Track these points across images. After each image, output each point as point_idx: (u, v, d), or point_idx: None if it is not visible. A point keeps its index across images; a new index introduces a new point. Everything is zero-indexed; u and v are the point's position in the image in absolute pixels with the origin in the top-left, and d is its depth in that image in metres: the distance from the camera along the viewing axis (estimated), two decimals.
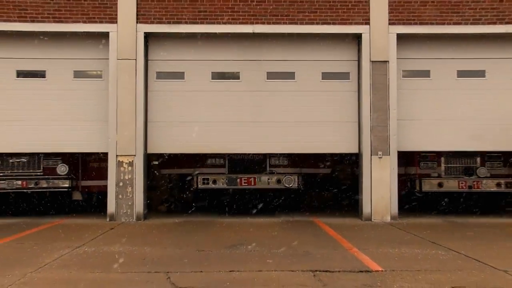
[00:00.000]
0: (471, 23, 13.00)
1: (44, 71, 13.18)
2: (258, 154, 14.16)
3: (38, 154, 13.66)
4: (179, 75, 13.36)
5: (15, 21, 12.74)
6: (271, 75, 13.40)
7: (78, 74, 13.24)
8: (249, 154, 14.12)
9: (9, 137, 12.99)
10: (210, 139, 13.22)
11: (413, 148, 13.58)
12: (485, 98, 13.37)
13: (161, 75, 13.35)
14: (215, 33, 13.00)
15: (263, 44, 13.29)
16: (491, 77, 13.45)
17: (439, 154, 14.23)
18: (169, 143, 13.32)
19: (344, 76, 13.43)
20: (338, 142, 13.44)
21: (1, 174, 13.55)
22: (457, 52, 13.36)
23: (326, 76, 13.42)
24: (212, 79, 13.38)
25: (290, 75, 13.42)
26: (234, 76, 13.45)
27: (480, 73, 13.46)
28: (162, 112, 13.26)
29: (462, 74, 13.46)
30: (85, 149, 13.44)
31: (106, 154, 13.05)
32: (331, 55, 13.39)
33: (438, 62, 13.41)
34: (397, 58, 12.98)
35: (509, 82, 13.40)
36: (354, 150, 13.47)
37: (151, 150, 13.33)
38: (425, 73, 13.47)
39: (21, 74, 13.17)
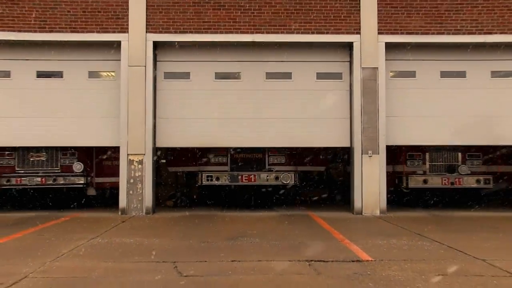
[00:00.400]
0: (453, 33, 13.01)
1: (61, 71, 13.18)
2: (258, 153, 14.15)
3: (56, 153, 13.68)
4: (185, 75, 13.35)
5: (35, 31, 12.73)
6: (270, 75, 13.39)
7: (92, 75, 13.24)
8: (249, 153, 14.12)
9: (29, 132, 12.97)
10: (213, 134, 13.21)
11: (400, 143, 13.53)
12: (466, 97, 13.36)
13: (168, 75, 13.32)
14: (219, 42, 13.00)
15: (263, 49, 13.26)
16: (471, 77, 13.44)
17: (424, 152, 14.24)
18: (176, 137, 13.29)
19: (337, 76, 13.41)
20: (331, 137, 13.42)
21: (22, 172, 13.58)
22: (440, 55, 13.35)
23: (320, 76, 13.40)
24: (215, 78, 13.36)
25: (287, 75, 13.40)
26: (236, 76, 13.44)
27: (461, 74, 13.45)
28: (169, 109, 13.23)
29: (444, 74, 13.44)
30: (98, 143, 13.40)
31: (118, 153, 13.04)
32: (325, 57, 13.39)
33: (423, 63, 13.39)
34: (385, 60, 12.96)
35: (487, 82, 13.39)
36: (346, 144, 13.44)
37: (160, 144, 13.30)
38: (412, 74, 13.45)
39: (41, 74, 13.16)
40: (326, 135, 13.40)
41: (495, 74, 13.44)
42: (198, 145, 13.69)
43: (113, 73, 13.19)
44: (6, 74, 13.11)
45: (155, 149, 13.21)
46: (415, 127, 13.32)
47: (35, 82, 13.14)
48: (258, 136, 13.29)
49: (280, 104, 13.28)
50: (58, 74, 13.19)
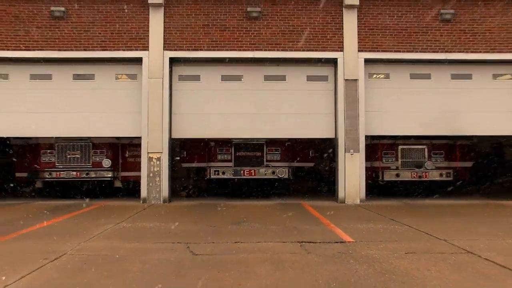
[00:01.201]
0: (420, 51, 13.05)
1: (93, 74, 13.20)
2: (257, 152, 14.16)
3: (88, 151, 13.73)
4: (196, 78, 13.35)
5: (72, 50, 12.80)
6: (268, 78, 13.38)
7: (117, 78, 13.27)
8: (250, 151, 14.13)
9: (65, 125, 13.00)
10: (219, 126, 13.21)
11: (378, 133, 13.49)
12: (431, 95, 13.37)
13: (182, 78, 13.31)
14: (224, 58, 13.04)
15: (262, 61, 13.28)
16: (435, 79, 13.47)
17: (397, 150, 14.28)
18: (188, 130, 13.28)
19: (323, 78, 13.41)
20: (319, 129, 13.39)
21: (61, 167, 13.64)
22: (410, 62, 13.39)
23: (310, 78, 13.39)
24: (221, 80, 13.37)
25: (282, 78, 13.39)
26: (239, 78, 13.43)
27: (427, 76, 13.47)
28: (183, 106, 13.20)
29: (413, 76, 13.46)
30: (122, 134, 13.39)
31: (139, 151, 13.07)
32: (313, 65, 13.40)
33: (396, 67, 13.40)
34: (364, 63, 12.97)
35: (448, 82, 13.42)
36: (331, 135, 13.42)
37: (174, 135, 13.29)
38: (386, 75, 13.49)
39: (76, 77, 13.21)
40: (315, 128, 13.39)
41: (454, 76, 13.48)
42: (206, 136, 13.68)
43: (135, 75, 13.14)
44: (48, 77, 13.13)
45: (171, 147, 13.22)
46: (388, 121, 13.30)
47: (71, 83, 13.15)
48: (258, 129, 13.28)
49: (276, 102, 13.28)
50: (91, 77, 13.18)
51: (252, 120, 13.26)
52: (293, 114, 13.26)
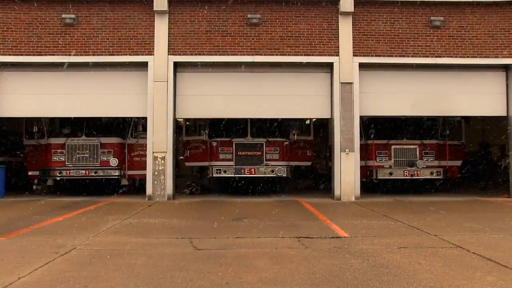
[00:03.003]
0: (411, 56, 13.07)
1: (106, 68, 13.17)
2: (257, 151, 14.11)
3: (96, 150, 13.74)
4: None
5: (81, 55, 12.81)
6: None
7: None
8: (250, 150, 14.09)
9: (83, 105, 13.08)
10: (220, 107, 13.20)
11: (372, 114, 13.51)
12: (421, 80, 13.38)
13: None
14: (226, 62, 13.03)
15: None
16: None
17: (390, 150, 14.27)
18: (192, 110, 13.32)
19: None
20: (315, 110, 13.42)
21: (71, 166, 13.64)
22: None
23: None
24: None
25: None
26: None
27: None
28: (187, 88, 13.16)
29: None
30: (129, 114, 13.51)
31: (145, 151, 13.09)
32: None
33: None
34: (359, 67, 12.94)
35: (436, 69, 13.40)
36: (327, 115, 13.42)
37: (179, 116, 13.36)
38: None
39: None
40: (311, 108, 13.39)
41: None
42: (209, 116, 13.75)
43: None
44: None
45: (175, 146, 13.21)
46: (382, 103, 13.29)
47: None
48: (256, 110, 13.28)
49: (273, 83, 13.22)
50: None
51: (250, 101, 13.17)
52: (290, 96, 13.16)
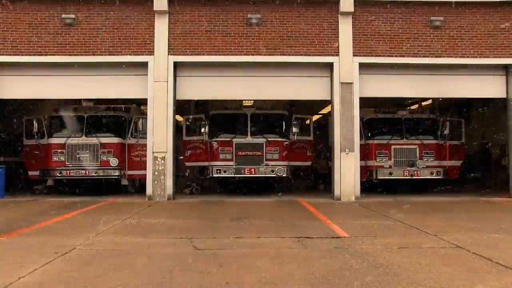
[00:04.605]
0: (411, 56, 13.05)
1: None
2: (257, 151, 14.10)
3: (97, 150, 13.73)
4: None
5: (81, 55, 12.82)
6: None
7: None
8: (250, 150, 14.08)
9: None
10: (221, 89, 13.31)
11: (374, 95, 13.53)
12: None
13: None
14: (226, 61, 13.02)
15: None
16: None
17: (390, 150, 14.27)
18: (192, 91, 13.44)
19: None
20: (315, 92, 13.45)
21: (71, 166, 13.63)
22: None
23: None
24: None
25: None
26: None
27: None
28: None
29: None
30: (130, 95, 13.60)
31: (145, 151, 13.10)
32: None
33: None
34: (359, 67, 12.94)
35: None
36: (327, 97, 13.41)
37: (179, 97, 13.33)
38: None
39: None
40: (312, 90, 13.41)
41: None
42: (209, 98, 13.96)
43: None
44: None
45: (175, 146, 13.22)
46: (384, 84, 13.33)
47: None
48: (255, 92, 13.42)
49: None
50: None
51: (250, 83, 13.27)
52: (290, 77, 13.25)
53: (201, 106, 18.26)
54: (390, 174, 14.02)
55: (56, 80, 13.11)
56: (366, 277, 4.88)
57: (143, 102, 14.15)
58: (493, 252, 6.00)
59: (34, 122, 13.99)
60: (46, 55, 12.74)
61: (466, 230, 7.74)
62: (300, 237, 7.05)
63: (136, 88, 13.10)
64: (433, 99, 17.69)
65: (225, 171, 13.72)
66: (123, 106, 15.30)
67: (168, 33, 12.89)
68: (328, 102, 14.39)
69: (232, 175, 13.83)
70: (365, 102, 13.63)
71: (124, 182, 14.36)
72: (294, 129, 14.18)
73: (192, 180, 15.78)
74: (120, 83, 13.17)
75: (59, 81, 13.12)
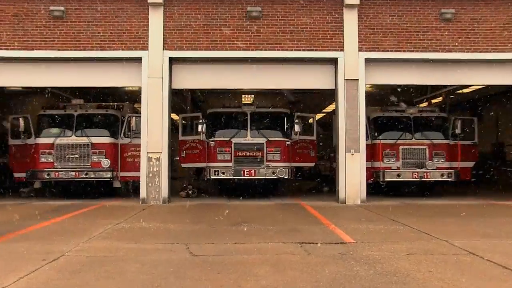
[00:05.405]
0: (421, 51, 12.98)
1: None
2: (258, 151, 14.06)
3: (87, 151, 13.69)
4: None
5: (71, 49, 12.76)
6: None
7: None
8: (250, 151, 14.06)
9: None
10: (221, 77, 13.33)
11: (382, 82, 13.68)
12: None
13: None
14: (225, 57, 12.99)
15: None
16: None
17: (397, 150, 14.24)
18: (188, 82, 13.46)
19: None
20: (319, 80, 13.45)
21: (60, 167, 13.57)
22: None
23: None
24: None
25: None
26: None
27: None
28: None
29: None
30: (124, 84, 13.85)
31: (139, 151, 13.07)
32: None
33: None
34: (365, 63, 12.92)
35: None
36: (331, 86, 13.38)
37: (175, 86, 13.34)
38: None
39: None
40: (315, 79, 13.44)
41: None
42: (207, 87, 14.06)
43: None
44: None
45: (171, 147, 13.21)
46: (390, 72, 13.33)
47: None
48: (254, 81, 13.48)
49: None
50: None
51: (251, 70, 13.28)
52: (293, 65, 13.26)
53: (198, 104, 18.27)
54: (398, 176, 13.98)
55: (46, 70, 13.08)
56: (373, 286, 4.84)
57: (136, 99, 14.14)
58: (509, 259, 5.96)
59: (21, 121, 13.94)
60: (32, 49, 12.69)
61: (479, 236, 7.71)
62: (303, 243, 7.03)
63: (132, 77, 13.07)
64: (444, 93, 17.66)
65: (223, 173, 13.69)
66: (115, 104, 15.25)
67: (163, 27, 12.85)
68: (333, 100, 14.36)
69: (231, 177, 13.80)
70: (371, 99, 13.60)
71: (117, 184, 14.32)
72: (296, 128, 14.13)
73: (188, 182, 15.76)
74: (114, 72, 13.21)
75: (48, 70, 13.09)
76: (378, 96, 13.98)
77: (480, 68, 13.34)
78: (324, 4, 13.04)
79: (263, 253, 6.46)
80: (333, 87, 13.31)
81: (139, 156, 13.09)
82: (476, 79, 13.75)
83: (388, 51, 12.98)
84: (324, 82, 13.44)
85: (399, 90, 15.46)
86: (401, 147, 14.28)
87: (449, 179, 14.06)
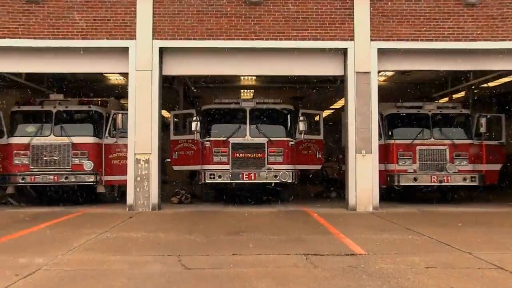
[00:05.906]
0: (440, 40, 12.94)
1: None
2: (258, 153, 14.03)
3: (67, 152, 13.65)
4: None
5: (49, 38, 12.71)
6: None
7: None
8: (250, 151, 14.02)
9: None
10: (215, 64, 13.38)
11: (397, 68, 14.09)
12: None
13: None
14: (221, 47, 12.97)
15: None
16: None
17: (414, 152, 14.22)
18: (181, 67, 13.55)
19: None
20: (326, 67, 13.52)
21: (36, 170, 13.54)
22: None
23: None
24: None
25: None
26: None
27: None
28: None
29: None
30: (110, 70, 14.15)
31: (125, 153, 13.05)
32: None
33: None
34: (378, 54, 12.93)
35: None
36: (340, 72, 13.43)
37: (166, 72, 13.41)
38: None
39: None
40: (321, 65, 13.48)
41: None
42: (200, 73, 14.31)
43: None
44: None
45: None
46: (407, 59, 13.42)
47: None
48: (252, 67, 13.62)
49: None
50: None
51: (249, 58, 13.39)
52: (296, 51, 13.23)
53: (192, 100, 18.22)
54: (415, 180, 13.97)
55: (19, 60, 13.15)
56: None
57: (123, 95, 14.11)
58: None
59: None
60: (4, 37, 12.64)
61: (507, 248, 7.68)
62: (308, 254, 7.02)
63: (118, 70, 13.20)
64: (467, 87, 17.61)
65: (220, 176, 13.67)
66: (99, 100, 15.22)
67: (153, 14, 12.83)
68: (342, 95, 14.34)
69: (228, 181, 13.78)
70: (384, 95, 13.58)
71: (101, 189, 14.28)
72: (301, 127, 14.11)
73: (181, 187, 15.75)
74: (99, 64, 13.35)
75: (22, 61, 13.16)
76: (392, 91, 13.93)
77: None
78: None
79: (263, 265, 6.44)
80: (342, 74, 13.33)
81: (125, 158, 13.08)
82: (502, 65, 13.69)
83: (403, 40, 12.94)
84: (334, 71, 13.57)
85: (416, 85, 15.42)
86: (418, 147, 14.27)
87: (473, 184, 14.04)
